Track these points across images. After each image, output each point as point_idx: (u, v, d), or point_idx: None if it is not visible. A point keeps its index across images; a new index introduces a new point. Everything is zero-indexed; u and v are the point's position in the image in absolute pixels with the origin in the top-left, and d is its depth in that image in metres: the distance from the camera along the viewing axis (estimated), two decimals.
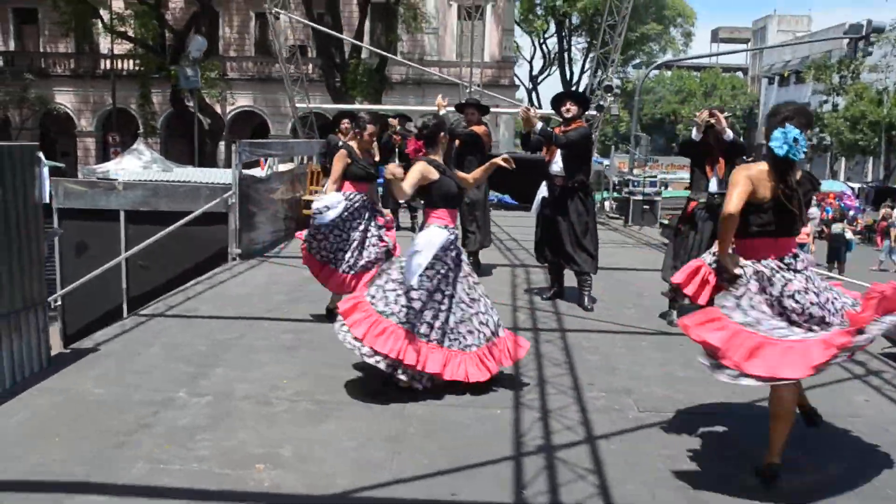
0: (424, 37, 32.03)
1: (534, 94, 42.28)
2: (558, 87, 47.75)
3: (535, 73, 41.50)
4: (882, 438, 4.27)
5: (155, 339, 5.70)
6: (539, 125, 7.03)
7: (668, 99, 51.06)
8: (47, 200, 5.09)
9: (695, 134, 6.68)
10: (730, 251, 3.85)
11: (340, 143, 6.15)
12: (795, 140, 3.52)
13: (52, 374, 4.86)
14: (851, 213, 25.23)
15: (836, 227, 18.19)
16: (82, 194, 9.06)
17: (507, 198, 17.33)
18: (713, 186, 6.64)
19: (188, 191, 9.25)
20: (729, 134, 6.59)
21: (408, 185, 4.83)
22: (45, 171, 5.02)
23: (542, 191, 7.50)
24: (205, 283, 7.72)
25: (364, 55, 29.28)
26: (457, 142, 8.73)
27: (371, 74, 28.99)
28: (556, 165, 7.27)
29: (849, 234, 18.53)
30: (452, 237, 4.86)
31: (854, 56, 18.66)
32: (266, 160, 27.24)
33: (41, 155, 4.90)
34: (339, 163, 5.97)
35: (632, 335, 6.31)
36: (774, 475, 3.59)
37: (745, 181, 3.68)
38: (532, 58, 40.35)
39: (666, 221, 13.98)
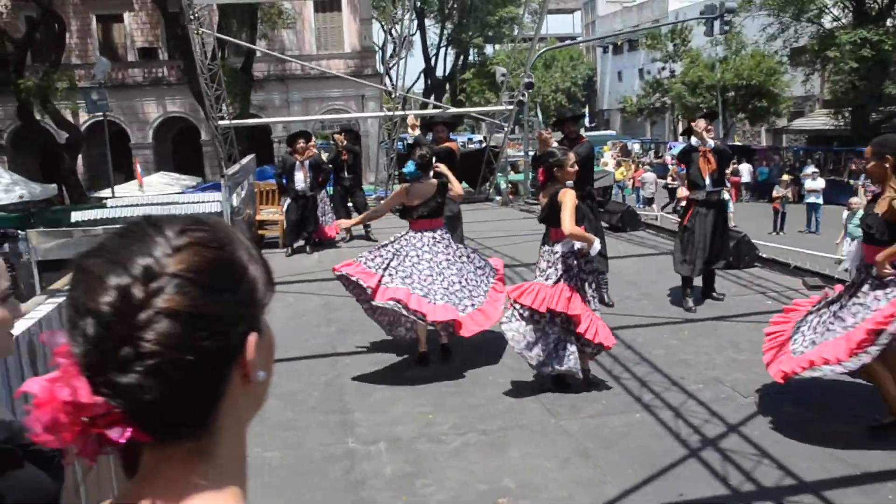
0: (282, 32, 31.52)
1: (387, 80, 42.49)
2: (415, 71, 48.25)
3: (386, 58, 41.90)
4: None
5: None
6: (555, 145, 7.67)
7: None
8: None
9: (695, 141, 7.63)
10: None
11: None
12: None
13: None
14: None
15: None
16: (63, 244, 8.70)
17: None
18: (708, 185, 7.62)
19: None
20: (711, 143, 7.64)
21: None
22: None
23: None
24: None
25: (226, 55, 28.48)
26: None
27: (237, 74, 28.27)
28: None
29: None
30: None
31: (711, 33, 20.49)
32: (143, 174, 26.00)
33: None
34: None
35: (669, 325, 7.12)
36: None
37: None
38: (383, 44, 40.77)
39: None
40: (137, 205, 11.15)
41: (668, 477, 4.25)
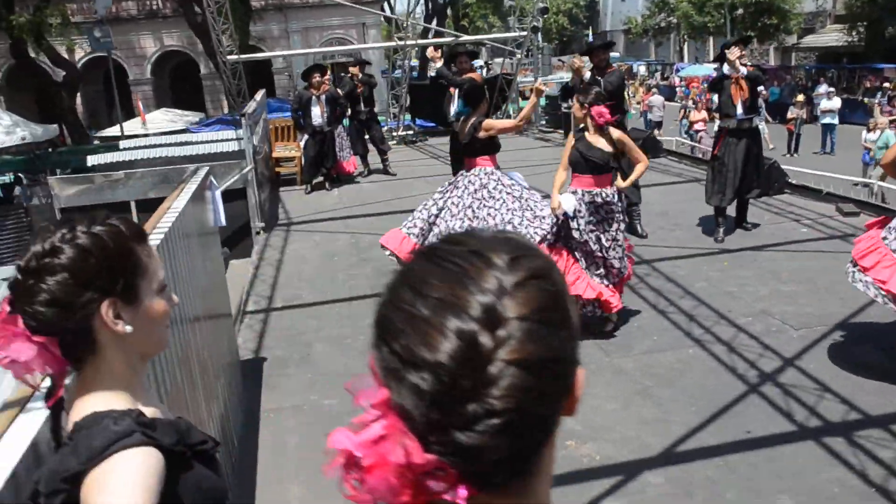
0: None
1: (386, 4, 41.50)
2: None
3: None
4: None
5: (310, 338, 5.82)
6: (588, 75, 7.47)
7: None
8: (223, 223, 5.04)
9: (728, 70, 7.41)
10: None
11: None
12: None
13: (256, 391, 4.96)
14: None
15: None
16: (85, 190, 8.58)
17: (429, 123, 17.47)
18: (740, 113, 7.43)
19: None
20: (743, 70, 7.38)
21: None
22: (218, 194, 4.93)
23: None
24: (277, 270, 7.71)
25: None
26: (453, 89, 8.91)
27: (234, 4, 27.51)
28: None
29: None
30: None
31: None
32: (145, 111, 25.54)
33: (213, 178, 4.83)
34: None
35: (708, 256, 7.05)
36: None
37: None
38: None
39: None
40: (152, 146, 10.94)
41: (731, 414, 4.26)
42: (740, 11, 31.66)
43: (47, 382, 1.33)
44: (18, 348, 1.26)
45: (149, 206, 8.99)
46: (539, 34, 16.50)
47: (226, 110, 25.32)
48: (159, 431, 1.25)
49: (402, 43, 14.67)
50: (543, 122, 16.48)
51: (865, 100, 22.41)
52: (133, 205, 8.88)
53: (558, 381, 0.69)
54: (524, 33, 14.49)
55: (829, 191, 8.71)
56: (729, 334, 5.29)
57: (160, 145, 10.81)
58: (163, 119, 25.31)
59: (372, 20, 30.56)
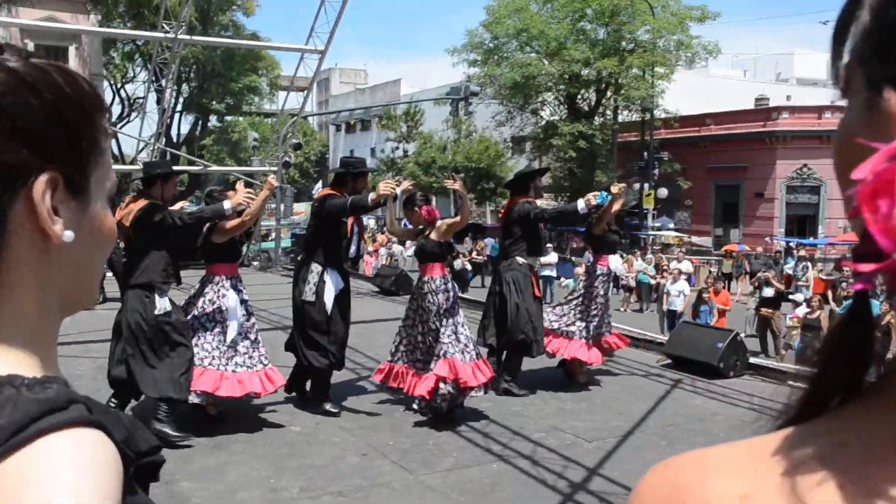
0: None
1: (114, 143, 39.61)
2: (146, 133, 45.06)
3: (113, 119, 39.00)
4: (743, 431, 5.74)
5: None
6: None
7: (246, 145, 52.35)
8: None
9: None
10: None
11: None
12: None
13: None
14: None
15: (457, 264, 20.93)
16: None
17: None
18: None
19: None
20: None
21: None
22: None
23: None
24: None
25: None
26: None
27: None
28: None
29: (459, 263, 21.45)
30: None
31: (457, 114, 21.77)
32: None
33: None
34: None
35: None
36: None
37: None
38: (112, 103, 37.95)
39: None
40: None
41: None
42: (462, 175, 34.57)
43: None
44: None
45: None
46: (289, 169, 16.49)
47: None
48: (99, 415, 0.71)
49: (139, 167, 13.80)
50: (290, 259, 16.22)
51: (573, 258, 25.06)
52: None
53: None
54: (275, 168, 14.38)
55: None
56: (528, 449, 5.19)
57: None
58: None
59: None
